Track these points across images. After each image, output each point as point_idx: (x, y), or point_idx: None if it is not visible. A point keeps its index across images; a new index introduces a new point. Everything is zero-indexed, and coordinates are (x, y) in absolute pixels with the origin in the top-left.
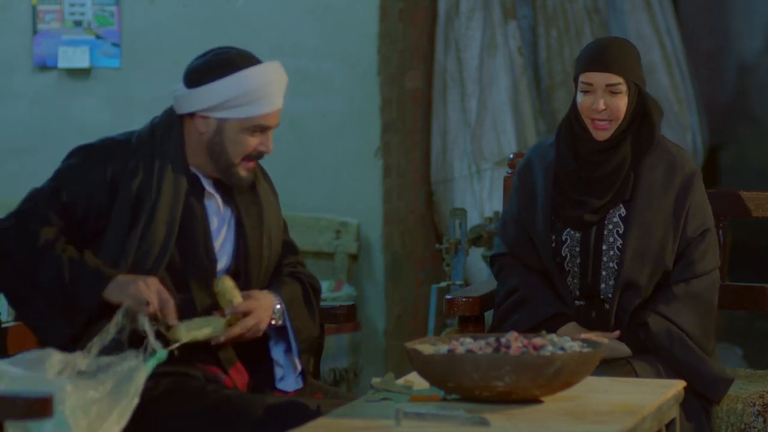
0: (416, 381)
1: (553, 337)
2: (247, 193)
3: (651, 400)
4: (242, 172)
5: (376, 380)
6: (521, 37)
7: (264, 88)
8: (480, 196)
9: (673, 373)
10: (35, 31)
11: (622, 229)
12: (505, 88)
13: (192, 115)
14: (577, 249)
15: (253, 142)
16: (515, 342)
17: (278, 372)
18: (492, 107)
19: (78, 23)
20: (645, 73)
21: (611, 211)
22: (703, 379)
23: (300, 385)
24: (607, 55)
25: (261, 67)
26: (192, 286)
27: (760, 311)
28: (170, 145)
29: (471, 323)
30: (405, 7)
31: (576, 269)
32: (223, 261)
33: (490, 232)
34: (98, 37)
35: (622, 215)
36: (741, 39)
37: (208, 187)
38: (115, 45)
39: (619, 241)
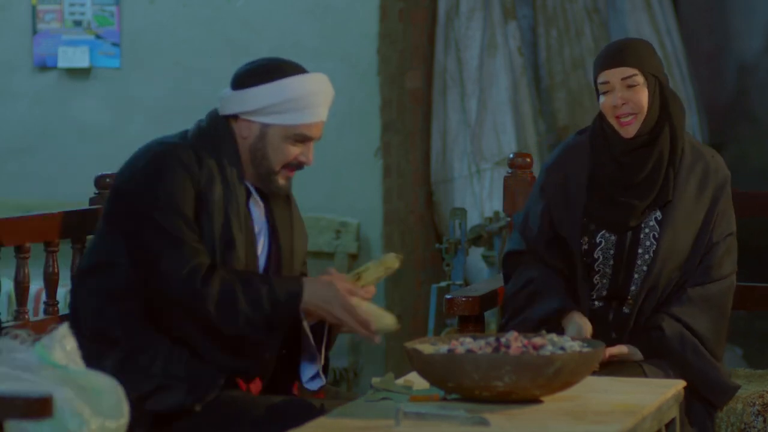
0: (416, 381)
1: (553, 336)
2: (282, 203)
3: (651, 400)
4: (281, 180)
5: (376, 380)
6: (521, 37)
7: (309, 97)
8: (480, 196)
9: (682, 377)
10: (35, 31)
11: (659, 233)
12: (505, 88)
13: (236, 118)
14: (612, 252)
15: (294, 151)
16: (515, 342)
17: (306, 373)
18: (492, 107)
19: (78, 23)
20: None
21: (649, 214)
22: (712, 386)
23: (324, 381)
24: (618, 51)
25: (307, 76)
26: None
27: (760, 311)
28: (230, 150)
29: (471, 323)
30: (405, 7)
31: (607, 270)
32: (259, 269)
33: (490, 232)
34: (98, 36)
35: (658, 219)
36: (741, 39)
37: (255, 195)
38: (115, 45)
39: (656, 245)
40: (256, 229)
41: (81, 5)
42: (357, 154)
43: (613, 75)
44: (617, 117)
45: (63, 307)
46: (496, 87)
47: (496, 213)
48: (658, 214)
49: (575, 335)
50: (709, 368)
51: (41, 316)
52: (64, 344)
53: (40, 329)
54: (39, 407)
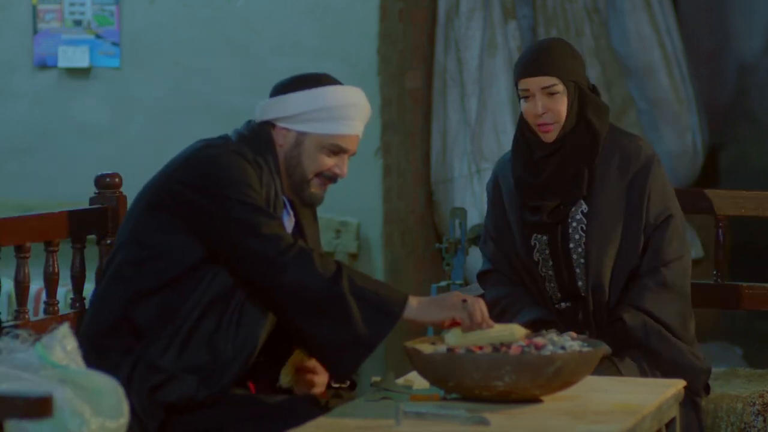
0: (416, 380)
1: (554, 336)
2: (310, 216)
3: (651, 399)
4: (314, 188)
5: (376, 379)
6: (521, 37)
7: (345, 108)
8: (480, 196)
9: (655, 367)
10: (35, 31)
11: (585, 225)
12: (505, 88)
13: (273, 127)
14: (547, 252)
15: (328, 162)
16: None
17: None
18: (492, 107)
19: (78, 23)
20: (645, 73)
21: (573, 209)
22: (681, 371)
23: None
24: (538, 58)
25: (345, 87)
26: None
27: (760, 311)
28: (273, 158)
29: None
30: (405, 7)
31: (551, 272)
32: None
33: None
34: (98, 36)
35: (584, 211)
36: (741, 39)
37: (288, 207)
38: (115, 44)
39: (585, 237)
40: None
41: (81, 5)
42: (357, 154)
43: (533, 83)
44: (538, 124)
45: (63, 307)
46: (496, 87)
47: None
48: (584, 207)
49: None
50: (677, 353)
51: (41, 316)
52: (64, 344)
53: (40, 329)
54: (39, 407)
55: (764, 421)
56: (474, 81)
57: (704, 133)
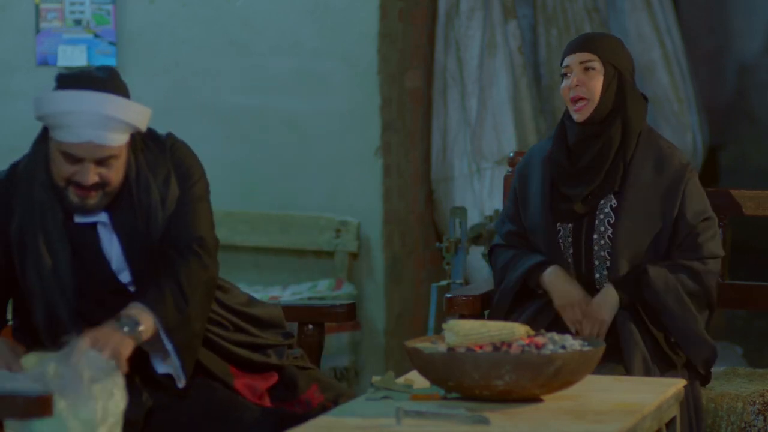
0: (416, 380)
1: (554, 335)
2: (126, 199)
3: (651, 399)
4: (72, 197)
5: (376, 379)
6: (521, 37)
7: (63, 116)
8: (480, 195)
9: (659, 328)
10: (38, 30)
11: (613, 219)
12: (505, 87)
13: None
14: (570, 240)
15: (70, 168)
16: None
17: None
18: (492, 107)
19: (78, 22)
20: (645, 72)
21: (602, 202)
22: (688, 336)
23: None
24: (583, 38)
25: (65, 94)
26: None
27: (760, 310)
28: (47, 177)
29: None
30: (405, 7)
31: (570, 260)
32: (125, 272)
33: (491, 231)
34: (96, 35)
35: (613, 206)
36: (741, 39)
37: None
38: (112, 44)
39: (610, 231)
40: (107, 239)
41: (80, 4)
42: (357, 154)
43: (573, 59)
44: (572, 100)
45: None
46: (497, 86)
47: (497, 211)
48: (614, 201)
49: (554, 280)
50: (689, 317)
51: None
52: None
53: None
54: (39, 406)
55: (764, 420)
56: (474, 80)
57: (704, 133)
